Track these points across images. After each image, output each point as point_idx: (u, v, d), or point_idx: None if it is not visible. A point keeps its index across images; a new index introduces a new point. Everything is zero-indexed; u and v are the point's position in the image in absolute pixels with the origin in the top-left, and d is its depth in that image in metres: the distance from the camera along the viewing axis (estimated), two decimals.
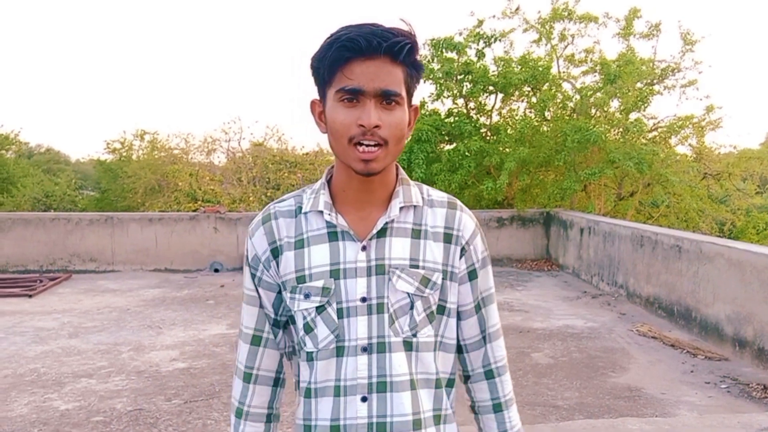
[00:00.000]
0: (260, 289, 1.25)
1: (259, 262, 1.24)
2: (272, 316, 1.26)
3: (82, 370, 5.26)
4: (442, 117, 12.28)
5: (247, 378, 1.28)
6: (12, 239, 9.93)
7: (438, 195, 1.28)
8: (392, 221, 1.21)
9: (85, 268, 10.00)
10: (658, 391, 4.86)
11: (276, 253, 1.23)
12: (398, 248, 1.19)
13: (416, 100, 1.23)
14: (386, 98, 1.11)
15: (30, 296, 8.10)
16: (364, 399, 1.17)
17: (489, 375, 1.32)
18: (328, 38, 1.12)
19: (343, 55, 1.09)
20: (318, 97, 1.19)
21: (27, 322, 6.82)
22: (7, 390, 4.77)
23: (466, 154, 11.16)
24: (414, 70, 1.15)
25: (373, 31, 1.09)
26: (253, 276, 1.25)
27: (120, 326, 6.68)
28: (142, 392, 4.76)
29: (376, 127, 1.10)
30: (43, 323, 6.78)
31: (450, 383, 1.27)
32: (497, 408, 1.32)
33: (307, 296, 1.18)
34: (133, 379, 5.04)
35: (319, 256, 1.19)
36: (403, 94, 1.13)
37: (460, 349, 1.31)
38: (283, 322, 1.27)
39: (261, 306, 1.26)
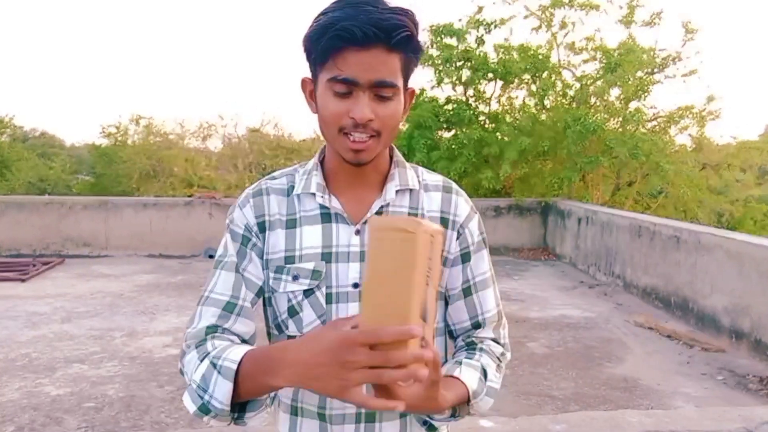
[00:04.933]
0: (253, 254, 1.15)
1: (251, 230, 1.16)
2: (259, 284, 1.16)
3: (74, 355, 5.21)
4: (441, 104, 12.19)
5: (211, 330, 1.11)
6: (5, 223, 9.85)
7: (432, 178, 1.24)
8: (387, 205, 1.16)
9: (78, 252, 9.93)
10: (654, 382, 4.83)
11: (262, 227, 1.16)
12: None
13: (416, 88, 1.17)
14: (381, 90, 1.04)
15: (23, 280, 8.03)
16: None
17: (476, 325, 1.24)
18: (321, 18, 1.04)
19: (336, 44, 1.02)
20: (309, 76, 1.13)
21: (19, 307, 6.76)
22: None
23: (466, 142, 11.09)
24: (413, 55, 1.09)
25: (370, 18, 1.01)
26: (245, 240, 1.15)
27: (113, 311, 6.63)
28: (134, 378, 4.71)
29: (369, 120, 1.04)
30: (35, 308, 6.72)
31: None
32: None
33: (295, 278, 1.12)
34: (126, 365, 4.99)
35: (311, 237, 1.13)
36: (400, 84, 1.07)
37: (450, 334, 1.27)
38: (266, 299, 1.19)
39: (241, 272, 1.15)
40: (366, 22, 1.00)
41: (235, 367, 0.98)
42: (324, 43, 1.03)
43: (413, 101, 1.19)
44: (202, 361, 1.03)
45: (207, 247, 10.08)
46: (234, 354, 1.00)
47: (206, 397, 1.00)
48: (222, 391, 0.98)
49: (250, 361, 0.98)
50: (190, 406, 1.02)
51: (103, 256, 9.96)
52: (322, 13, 1.05)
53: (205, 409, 1.01)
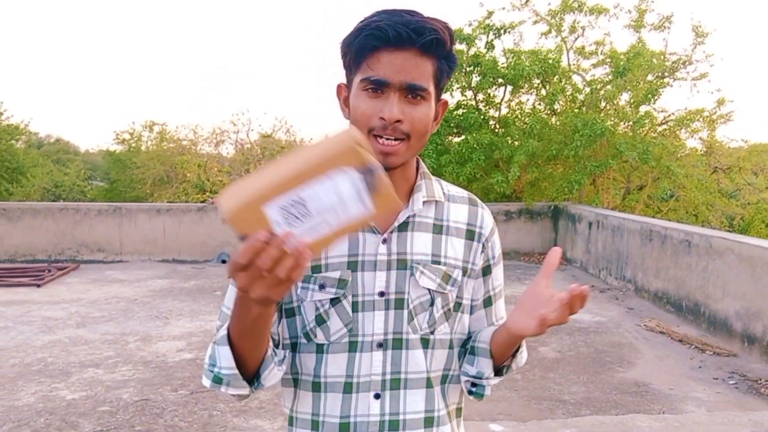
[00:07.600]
0: None
1: None
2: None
3: (89, 359, 5.28)
4: (451, 109, 12.21)
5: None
6: (21, 229, 9.98)
7: (457, 191, 1.28)
8: (414, 215, 1.19)
9: (93, 258, 10.04)
10: (665, 387, 4.82)
11: None
12: (420, 243, 1.18)
13: None
14: (412, 92, 1.08)
15: (38, 286, 8.13)
16: (377, 396, 1.15)
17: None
18: (360, 23, 1.09)
19: (369, 43, 1.06)
20: (345, 82, 1.17)
21: (35, 312, 6.85)
22: (14, 379, 4.79)
23: (476, 146, 11.11)
24: (446, 64, 1.12)
25: (405, 21, 1.05)
26: None
27: (127, 316, 6.70)
28: (148, 382, 4.77)
29: (398, 121, 1.07)
30: (50, 313, 6.81)
31: (459, 378, 1.26)
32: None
33: (322, 287, 1.14)
34: (140, 370, 5.05)
35: (337, 246, 1.16)
36: (431, 89, 1.10)
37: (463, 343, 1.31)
38: (287, 309, 1.20)
39: None
40: (399, 22, 1.05)
41: (225, 332, 1.06)
42: (358, 43, 1.07)
43: (445, 112, 1.23)
44: (209, 346, 1.14)
45: (220, 252, 10.16)
46: (224, 328, 1.09)
47: (216, 369, 1.08)
48: (224, 356, 1.06)
49: (231, 322, 1.04)
50: (206, 381, 1.10)
51: (117, 261, 10.07)
52: (361, 21, 1.10)
53: (217, 379, 1.08)
